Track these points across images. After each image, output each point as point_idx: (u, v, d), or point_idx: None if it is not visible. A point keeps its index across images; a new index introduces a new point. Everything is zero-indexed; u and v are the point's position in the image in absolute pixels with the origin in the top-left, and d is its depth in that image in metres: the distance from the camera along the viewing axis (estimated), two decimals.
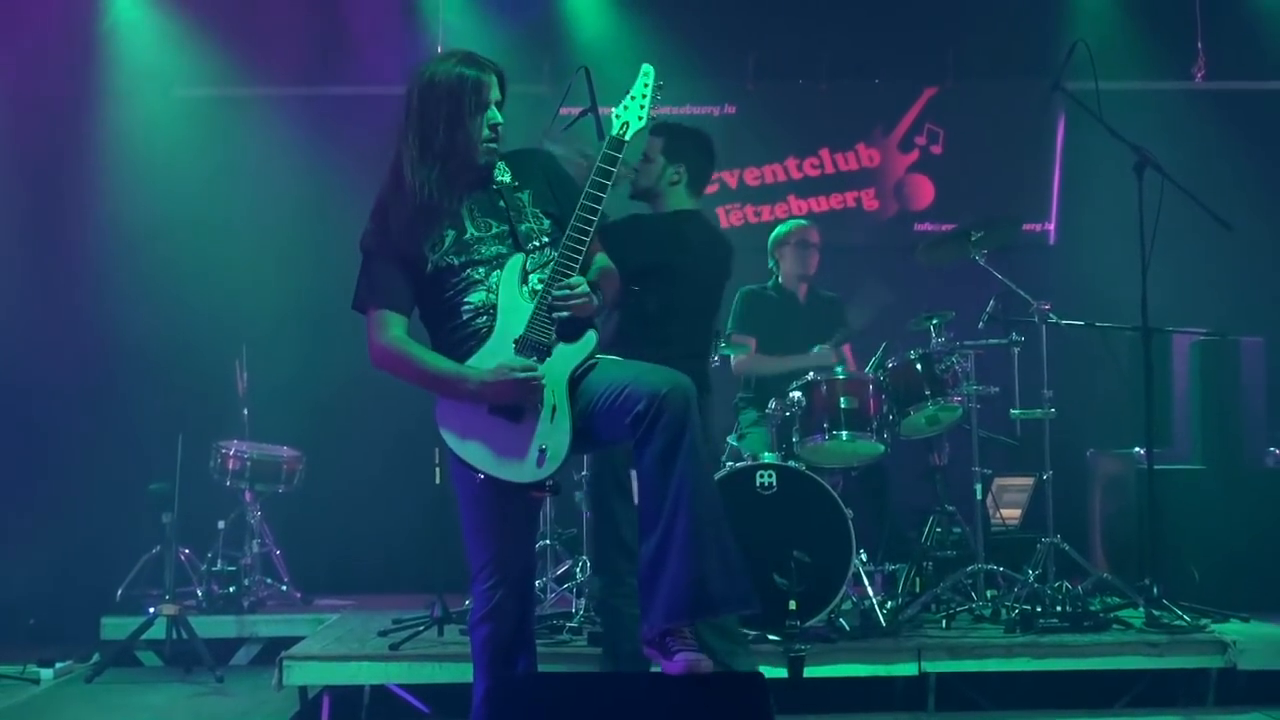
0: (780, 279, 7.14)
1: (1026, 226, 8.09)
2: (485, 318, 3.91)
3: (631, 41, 8.75)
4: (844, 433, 6.27)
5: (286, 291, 8.40)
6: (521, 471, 3.87)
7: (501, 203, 4.03)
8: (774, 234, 7.37)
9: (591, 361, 3.93)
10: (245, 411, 7.87)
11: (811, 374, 6.49)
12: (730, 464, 6.30)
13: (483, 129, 3.92)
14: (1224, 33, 8.41)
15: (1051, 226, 8.72)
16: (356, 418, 8.31)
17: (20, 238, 8.42)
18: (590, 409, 3.83)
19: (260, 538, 7.72)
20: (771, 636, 5.73)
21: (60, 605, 7.73)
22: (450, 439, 3.91)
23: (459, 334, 3.96)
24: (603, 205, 3.94)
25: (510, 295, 3.93)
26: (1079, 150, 8.59)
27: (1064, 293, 7.70)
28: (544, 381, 3.82)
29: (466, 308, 3.92)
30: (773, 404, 6.50)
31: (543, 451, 3.83)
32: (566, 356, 3.88)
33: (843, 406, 6.32)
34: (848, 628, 5.96)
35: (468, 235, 3.97)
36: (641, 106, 4.11)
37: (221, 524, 7.58)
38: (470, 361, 3.85)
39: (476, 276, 3.93)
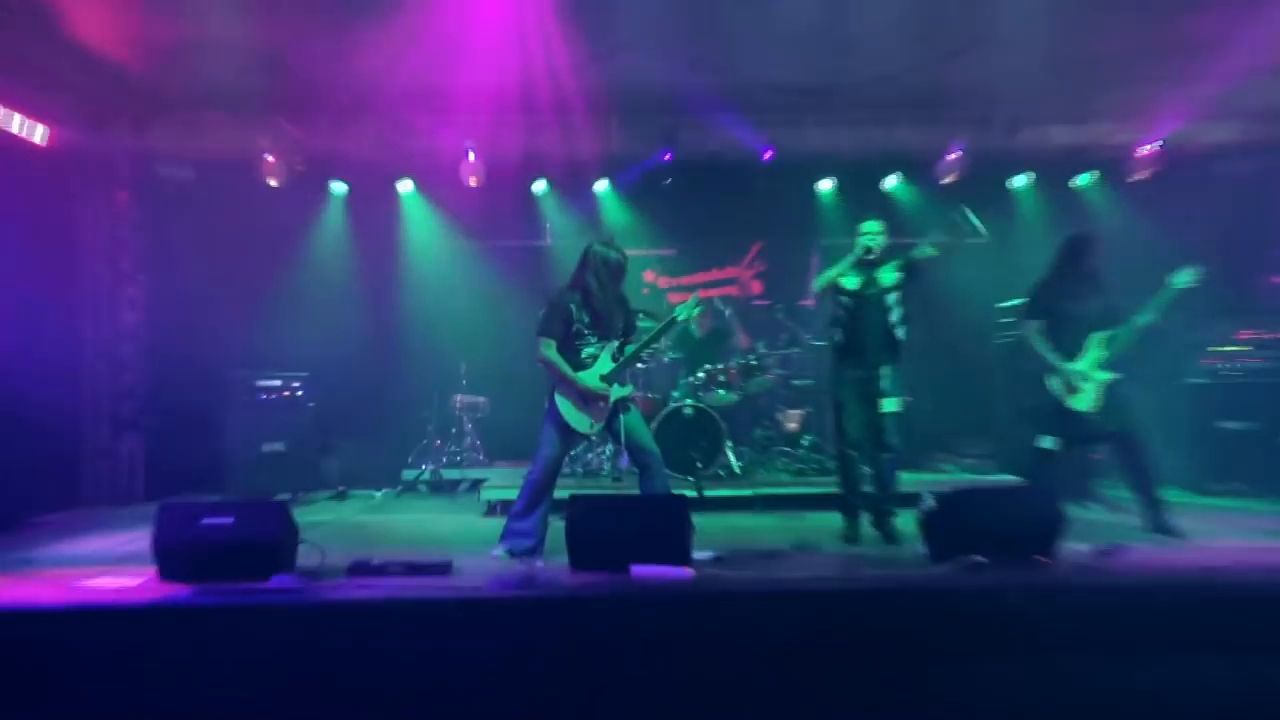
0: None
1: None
2: (591, 359, 5.58)
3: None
4: (720, 391, 8.79)
5: (490, 330, 10.70)
6: (582, 426, 5.69)
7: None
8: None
9: (628, 400, 5.51)
10: (464, 381, 10.53)
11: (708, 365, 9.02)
12: (672, 404, 8.57)
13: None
14: None
15: None
16: (518, 380, 10.17)
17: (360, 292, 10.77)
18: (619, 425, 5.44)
19: (471, 437, 10.46)
20: (689, 479, 8.12)
21: (386, 467, 10.18)
22: (560, 402, 5.62)
23: (577, 358, 5.57)
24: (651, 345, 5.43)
25: (605, 357, 5.58)
26: None
27: None
28: (609, 399, 5.46)
29: (586, 351, 5.59)
30: (702, 374, 9.03)
31: (593, 425, 5.69)
32: (618, 392, 5.60)
33: (721, 379, 8.91)
34: (723, 475, 8.63)
35: (594, 319, 5.52)
36: (689, 321, 5.62)
37: (454, 430, 10.35)
38: (580, 375, 5.46)
39: (592, 340, 5.63)
